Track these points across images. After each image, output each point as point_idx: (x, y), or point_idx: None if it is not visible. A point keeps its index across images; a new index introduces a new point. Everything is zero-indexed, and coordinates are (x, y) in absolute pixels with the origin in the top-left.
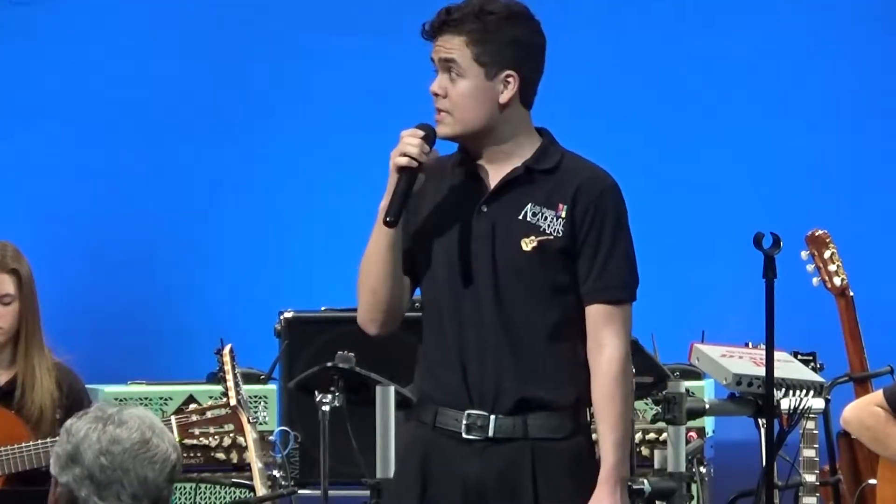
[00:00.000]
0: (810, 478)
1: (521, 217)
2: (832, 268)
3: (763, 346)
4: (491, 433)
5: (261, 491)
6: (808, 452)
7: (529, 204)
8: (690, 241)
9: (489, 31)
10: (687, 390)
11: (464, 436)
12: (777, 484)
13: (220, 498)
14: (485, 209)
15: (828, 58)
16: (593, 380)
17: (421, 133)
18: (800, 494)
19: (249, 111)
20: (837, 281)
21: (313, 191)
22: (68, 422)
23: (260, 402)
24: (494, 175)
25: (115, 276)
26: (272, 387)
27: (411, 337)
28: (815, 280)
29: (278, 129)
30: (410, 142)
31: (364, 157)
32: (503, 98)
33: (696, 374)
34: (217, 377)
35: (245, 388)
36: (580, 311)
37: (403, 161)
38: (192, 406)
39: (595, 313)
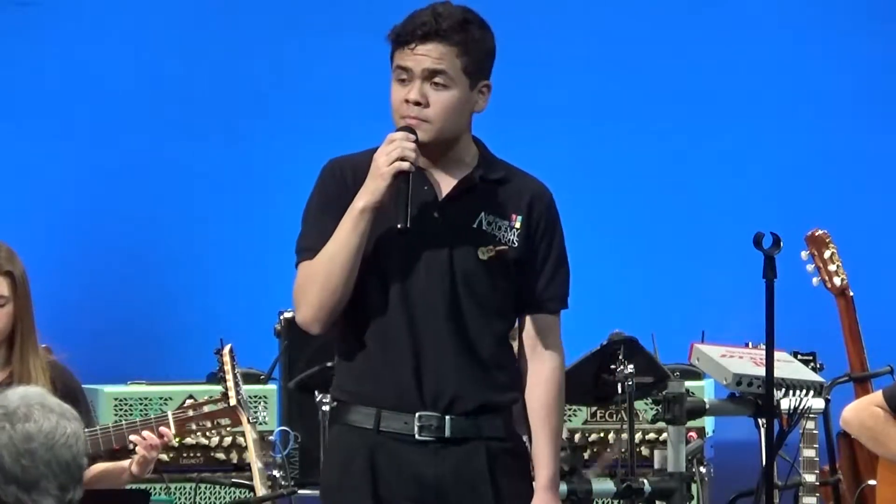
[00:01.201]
0: (810, 478)
1: (475, 226)
2: (832, 268)
3: (763, 346)
4: (447, 433)
5: (261, 491)
6: (808, 452)
7: (483, 213)
8: (690, 241)
9: (473, 41)
10: (687, 390)
11: (417, 437)
12: (777, 484)
13: (220, 498)
14: (437, 215)
15: (828, 58)
16: (535, 386)
17: (413, 137)
18: (800, 494)
19: (250, 111)
20: (837, 281)
21: None
22: None
23: (260, 402)
24: (444, 181)
25: (116, 276)
26: (272, 387)
27: None
28: (815, 280)
29: (278, 129)
30: (407, 146)
31: None
32: (479, 108)
33: (696, 374)
34: (217, 377)
35: (245, 388)
36: (514, 319)
37: (405, 165)
38: (189, 401)
39: (540, 322)
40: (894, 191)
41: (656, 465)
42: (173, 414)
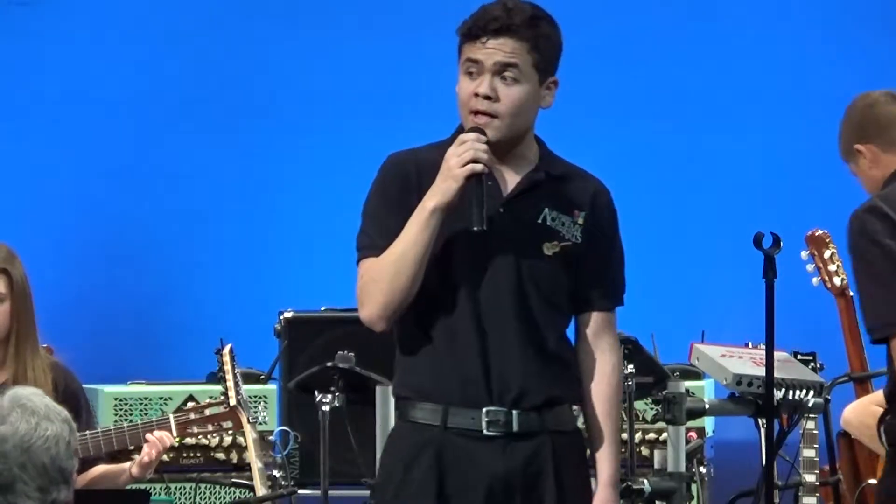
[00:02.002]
0: (810, 478)
1: (540, 221)
2: (832, 268)
3: (763, 346)
4: (515, 428)
5: (260, 491)
6: (808, 452)
7: (546, 209)
8: (690, 241)
9: (544, 36)
10: (687, 390)
11: (485, 432)
12: (777, 484)
13: (220, 498)
14: (502, 211)
15: (828, 57)
16: (597, 382)
17: (484, 138)
18: (800, 494)
19: (250, 111)
20: (837, 281)
21: (313, 191)
22: None
23: (260, 402)
24: (508, 177)
25: (115, 276)
26: (272, 387)
27: None
28: (815, 280)
29: (278, 129)
30: (479, 147)
31: (365, 157)
32: (545, 104)
33: (696, 374)
34: (217, 377)
35: (245, 388)
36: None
37: (478, 168)
38: (191, 404)
39: (598, 318)
40: None
41: (656, 465)
42: (175, 416)
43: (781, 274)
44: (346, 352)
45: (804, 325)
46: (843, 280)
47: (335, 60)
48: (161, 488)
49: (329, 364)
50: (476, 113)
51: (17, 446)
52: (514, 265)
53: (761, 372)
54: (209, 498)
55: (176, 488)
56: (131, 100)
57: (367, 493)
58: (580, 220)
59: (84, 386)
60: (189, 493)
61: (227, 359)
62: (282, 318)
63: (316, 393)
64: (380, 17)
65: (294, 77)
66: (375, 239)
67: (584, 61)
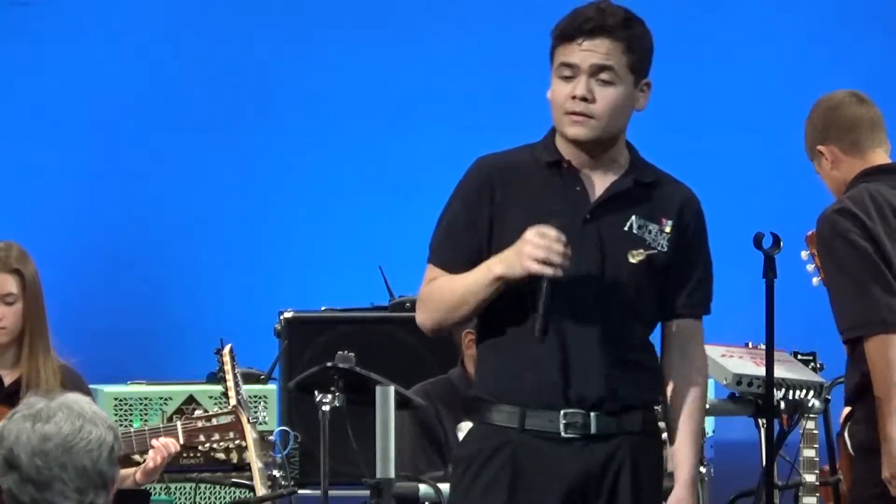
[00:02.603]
0: (810, 478)
1: (626, 228)
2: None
3: (763, 346)
4: (593, 430)
5: (261, 491)
6: (808, 452)
7: (634, 216)
8: None
9: (638, 37)
10: None
11: (563, 434)
12: (777, 484)
13: (220, 498)
14: (588, 217)
15: (828, 57)
16: (682, 385)
17: (564, 240)
18: (800, 494)
19: (250, 111)
20: None
21: (313, 191)
22: (0, 425)
23: (260, 402)
24: (597, 182)
25: (115, 276)
26: (272, 387)
27: (412, 337)
28: (815, 280)
29: (278, 129)
30: (556, 249)
31: (364, 158)
32: (640, 105)
33: None
34: (217, 377)
35: (245, 388)
36: (656, 323)
37: (548, 272)
38: (198, 413)
39: (686, 326)
40: None
41: None
42: (182, 424)
43: (781, 274)
44: (346, 352)
45: (804, 325)
46: None
47: (336, 61)
48: (161, 488)
49: (329, 364)
50: (572, 114)
51: (59, 446)
52: (599, 271)
53: (761, 372)
54: (209, 498)
55: (176, 488)
56: (131, 100)
57: (367, 492)
58: (667, 229)
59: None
60: (189, 493)
61: (227, 359)
62: (282, 318)
63: (316, 393)
64: (380, 18)
65: (294, 78)
66: (446, 248)
67: None
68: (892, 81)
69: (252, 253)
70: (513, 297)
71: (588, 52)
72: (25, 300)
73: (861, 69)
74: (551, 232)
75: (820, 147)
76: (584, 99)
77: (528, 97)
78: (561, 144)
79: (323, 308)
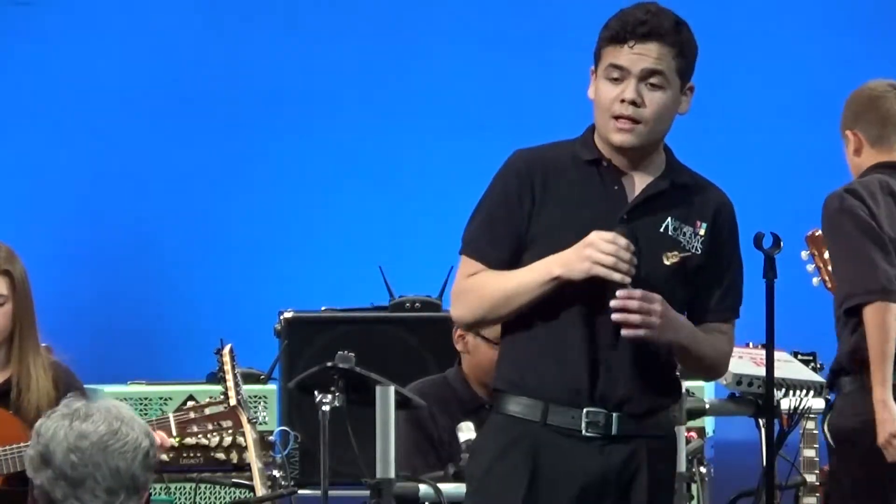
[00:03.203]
0: (810, 478)
1: (661, 230)
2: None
3: (763, 346)
4: (614, 431)
5: (260, 491)
6: (808, 452)
7: (669, 218)
8: None
9: (687, 42)
10: (687, 390)
11: (584, 433)
12: (778, 484)
13: (220, 498)
14: (625, 217)
15: (829, 57)
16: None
17: (633, 248)
18: (800, 494)
19: (250, 112)
20: None
21: (313, 191)
22: (38, 422)
23: (260, 402)
24: (636, 183)
25: (115, 275)
26: (272, 387)
27: (412, 337)
28: (815, 280)
29: (278, 129)
30: (624, 256)
31: (364, 158)
32: (683, 109)
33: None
34: (217, 377)
35: (245, 388)
36: None
37: (616, 277)
38: (190, 403)
39: (715, 329)
40: None
41: None
42: (174, 415)
43: (781, 274)
44: (346, 352)
45: (804, 325)
46: None
47: (336, 61)
48: (161, 488)
49: (329, 364)
50: (620, 118)
51: (94, 444)
52: (633, 272)
53: (761, 372)
54: (209, 498)
55: (176, 488)
56: (131, 100)
57: (367, 493)
58: (701, 232)
59: (84, 386)
60: (189, 493)
61: (227, 359)
62: (282, 318)
63: (316, 393)
64: (381, 18)
65: (294, 78)
66: (483, 241)
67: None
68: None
69: (252, 253)
70: (559, 298)
71: (639, 55)
72: (15, 301)
73: (861, 69)
74: (621, 240)
75: (848, 131)
76: (633, 103)
77: (528, 98)
78: (600, 143)
79: (323, 308)
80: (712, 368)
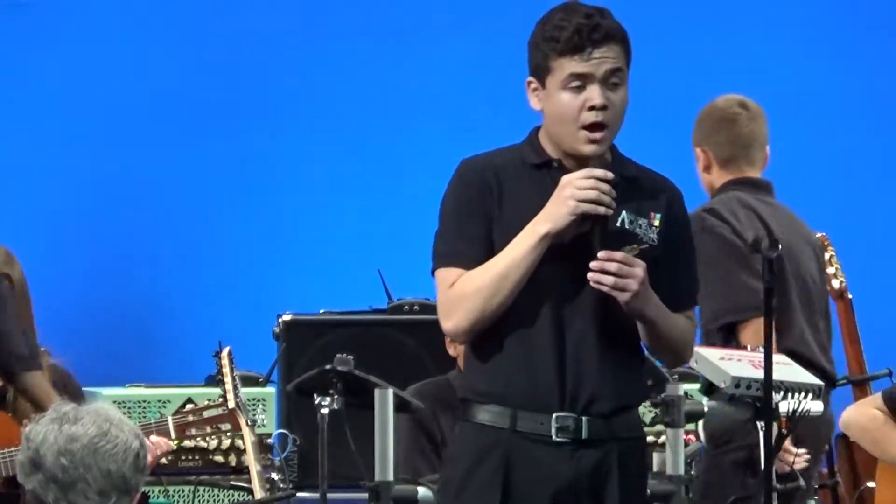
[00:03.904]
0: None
1: (618, 225)
2: (831, 270)
3: (762, 349)
4: (584, 435)
5: (259, 494)
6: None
7: (624, 212)
8: None
9: (626, 33)
10: (686, 393)
11: (554, 438)
12: (776, 487)
13: (219, 501)
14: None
15: (828, 60)
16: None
17: (612, 177)
18: (798, 497)
19: (249, 113)
20: (836, 284)
21: (312, 194)
22: (27, 427)
23: (258, 405)
24: None
25: (114, 278)
26: (271, 389)
27: (410, 340)
28: None
29: (278, 131)
30: (604, 188)
31: (364, 161)
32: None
33: (695, 377)
34: (215, 380)
35: (244, 390)
36: None
37: (601, 210)
38: (189, 406)
39: (681, 316)
40: (894, 194)
41: (655, 468)
42: (173, 418)
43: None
44: (344, 355)
45: None
46: (841, 283)
47: (337, 64)
48: (159, 491)
49: (328, 367)
50: (591, 127)
51: (85, 447)
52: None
53: (760, 375)
54: (207, 501)
55: (174, 491)
56: (130, 102)
57: (365, 495)
58: (656, 223)
59: (83, 388)
60: (187, 496)
61: (225, 361)
62: (280, 320)
63: (315, 396)
64: (382, 19)
65: (295, 79)
66: (457, 247)
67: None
68: (893, 83)
69: (251, 256)
70: (524, 303)
71: (600, 59)
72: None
73: (861, 69)
74: (597, 172)
75: (698, 148)
76: (603, 108)
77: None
78: (548, 145)
79: (322, 311)
80: (677, 351)
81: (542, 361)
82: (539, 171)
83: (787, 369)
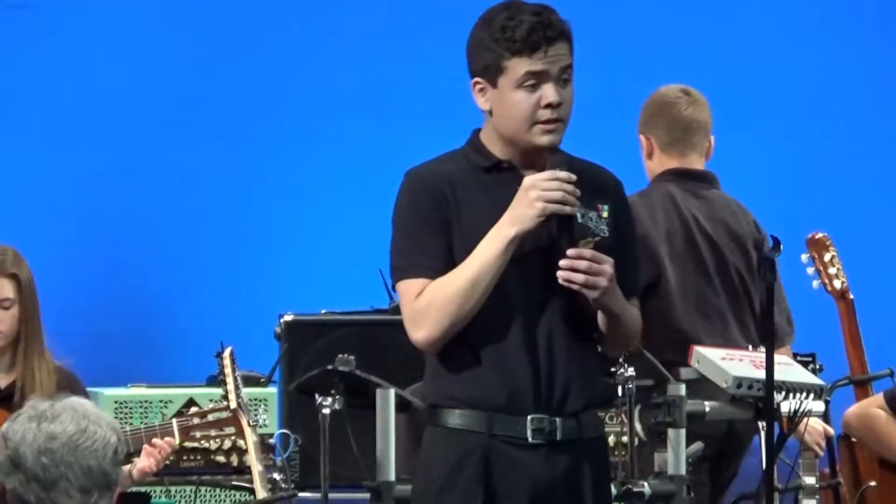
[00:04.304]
0: (810, 480)
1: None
2: (832, 270)
3: (763, 349)
4: (559, 436)
5: (261, 494)
6: (808, 455)
7: (576, 207)
8: None
9: (572, 36)
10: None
11: (530, 440)
12: (777, 486)
13: (220, 501)
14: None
15: (828, 59)
16: None
17: (574, 178)
18: (800, 497)
19: (249, 114)
20: (838, 284)
21: (313, 194)
22: (4, 426)
23: (260, 405)
24: None
25: (116, 278)
26: (272, 390)
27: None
28: (815, 283)
29: (279, 131)
30: (568, 188)
31: (365, 160)
32: None
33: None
34: (217, 380)
35: (245, 391)
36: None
37: (567, 210)
38: (193, 409)
39: (631, 305)
40: (894, 193)
41: (656, 468)
42: (178, 421)
43: (782, 276)
44: (346, 355)
45: (804, 328)
46: (843, 283)
47: (337, 63)
48: (161, 491)
49: (329, 367)
50: (549, 122)
51: (65, 444)
52: (556, 267)
53: (761, 375)
54: (209, 501)
55: (176, 491)
56: (130, 102)
57: (367, 496)
58: (605, 214)
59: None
60: (189, 496)
61: (227, 362)
62: (282, 321)
63: (316, 396)
64: (383, 20)
65: (295, 80)
66: (418, 258)
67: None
68: (893, 83)
69: (252, 256)
70: (492, 306)
71: (554, 57)
72: (21, 304)
73: (861, 69)
74: (560, 173)
75: (641, 135)
76: (558, 104)
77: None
78: (493, 146)
79: (323, 311)
80: (630, 339)
81: (515, 363)
82: (489, 175)
83: (788, 369)
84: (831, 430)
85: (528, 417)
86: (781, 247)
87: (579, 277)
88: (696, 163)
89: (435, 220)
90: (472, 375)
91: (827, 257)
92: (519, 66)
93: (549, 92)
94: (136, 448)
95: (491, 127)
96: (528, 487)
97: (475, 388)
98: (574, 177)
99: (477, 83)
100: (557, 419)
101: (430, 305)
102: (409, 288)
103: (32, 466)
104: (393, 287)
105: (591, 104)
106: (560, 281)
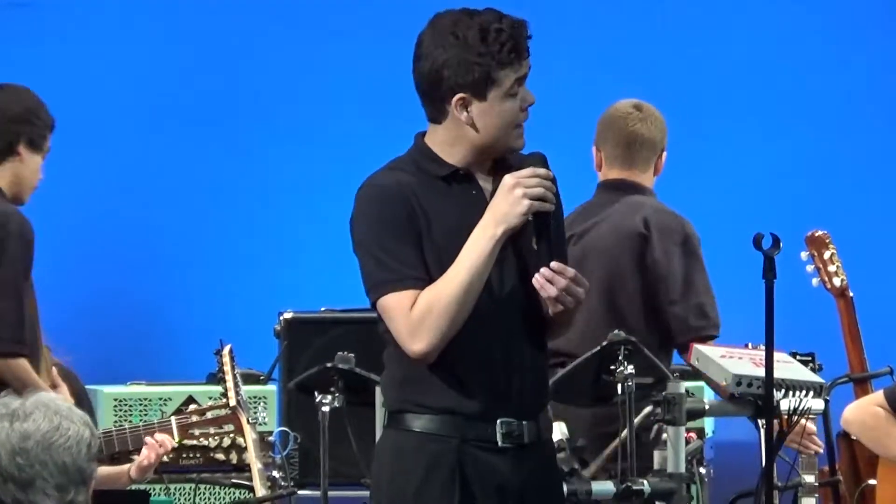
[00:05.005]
0: (810, 478)
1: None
2: (832, 268)
3: (763, 347)
4: (526, 439)
5: (260, 491)
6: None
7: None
8: None
9: None
10: (686, 391)
11: (500, 444)
12: (777, 484)
13: (220, 498)
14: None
15: (829, 58)
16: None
17: (552, 175)
18: (799, 495)
19: (249, 112)
20: (837, 281)
21: (313, 191)
22: None
23: (259, 403)
24: (487, 182)
25: (115, 276)
26: (272, 387)
27: None
28: (814, 281)
29: (279, 131)
30: (547, 185)
31: (364, 159)
32: None
33: (696, 375)
34: (217, 378)
35: (245, 388)
36: None
37: (547, 207)
38: (192, 406)
39: None
40: (894, 191)
41: (656, 466)
42: (177, 419)
43: (781, 274)
44: (345, 352)
45: (804, 326)
46: (842, 281)
47: (335, 64)
48: (160, 489)
49: (329, 365)
50: (518, 126)
51: (39, 443)
52: (516, 267)
53: (761, 373)
54: (209, 498)
55: (175, 489)
56: (130, 102)
57: (366, 493)
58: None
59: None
60: (189, 494)
61: (226, 359)
62: (281, 318)
63: (316, 394)
64: (381, 19)
65: (294, 80)
66: (403, 270)
67: (583, 61)
68: (892, 82)
69: (251, 253)
70: None
71: (528, 59)
72: None
73: (861, 69)
74: (540, 170)
75: (594, 147)
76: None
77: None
78: (445, 153)
79: (322, 309)
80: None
81: (485, 366)
82: (447, 183)
83: (788, 367)
84: (812, 427)
85: (498, 421)
86: (781, 244)
87: (553, 291)
88: (638, 177)
89: (408, 230)
90: (443, 380)
91: (826, 255)
92: (509, 76)
93: (527, 94)
94: (136, 446)
95: (445, 134)
96: (499, 492)
97: (448, 393)
98: (552, 173)
99: (461, 99)
100: (524, 422)
101: (428, 315)
102: (399, 301)
103: (7, 467)
104: (373, 304)
105: (591, 104)
106: (533, 283)
